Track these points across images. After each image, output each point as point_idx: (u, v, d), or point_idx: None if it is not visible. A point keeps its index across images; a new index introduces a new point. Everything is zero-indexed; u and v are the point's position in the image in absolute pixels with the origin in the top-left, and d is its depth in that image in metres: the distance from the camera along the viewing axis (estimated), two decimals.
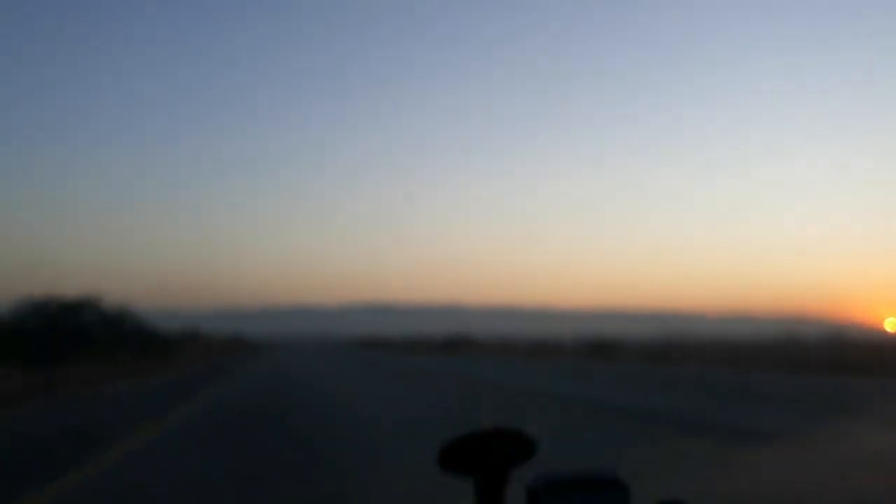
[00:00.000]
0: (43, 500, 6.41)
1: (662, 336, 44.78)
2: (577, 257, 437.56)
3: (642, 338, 50.31)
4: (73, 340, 27.75)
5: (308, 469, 7.65)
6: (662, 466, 7.20)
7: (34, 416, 14.12)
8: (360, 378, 25.88)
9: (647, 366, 31.21)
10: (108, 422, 12.78)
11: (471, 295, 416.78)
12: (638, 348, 40.94)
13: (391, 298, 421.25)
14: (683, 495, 1.30)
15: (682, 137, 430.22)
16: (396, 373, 28.61)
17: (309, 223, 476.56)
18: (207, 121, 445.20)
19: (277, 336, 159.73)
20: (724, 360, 30.98)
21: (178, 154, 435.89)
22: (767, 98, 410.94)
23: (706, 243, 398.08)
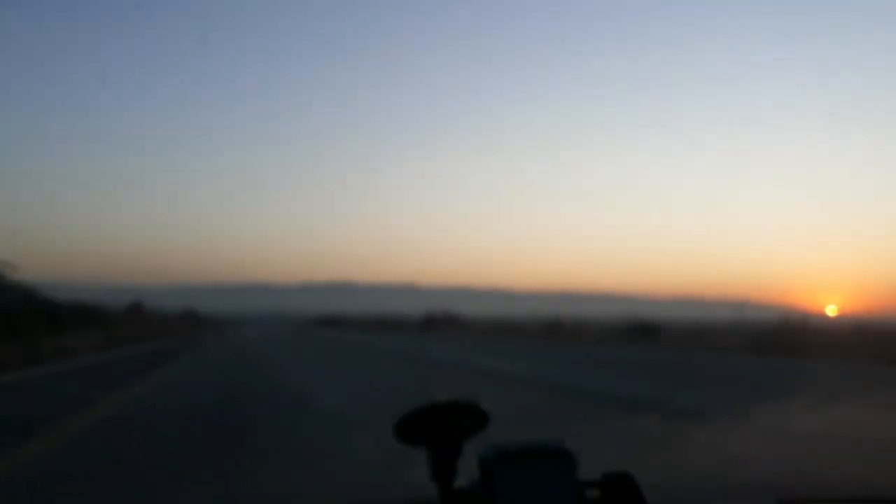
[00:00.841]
0: None
1: (629, 318, 37.71)
2: (533, 240, 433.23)
3: (606, 320, 44.12)
4: None
5: None
6: None
7: None
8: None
9: (740, 356, 22.59)
10: None
11: (429, 275, 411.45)
12: (678, 333, 32.23)
13: (350, 277, 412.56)
14: None
15: (641, 125, 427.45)
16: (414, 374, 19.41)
17: (271, 202, 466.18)
18: (165, 87, 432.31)
19: (236, 314, 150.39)
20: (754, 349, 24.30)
21: (128, 123, 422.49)
22: (724, 89, 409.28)
23: (660, 231, 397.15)
